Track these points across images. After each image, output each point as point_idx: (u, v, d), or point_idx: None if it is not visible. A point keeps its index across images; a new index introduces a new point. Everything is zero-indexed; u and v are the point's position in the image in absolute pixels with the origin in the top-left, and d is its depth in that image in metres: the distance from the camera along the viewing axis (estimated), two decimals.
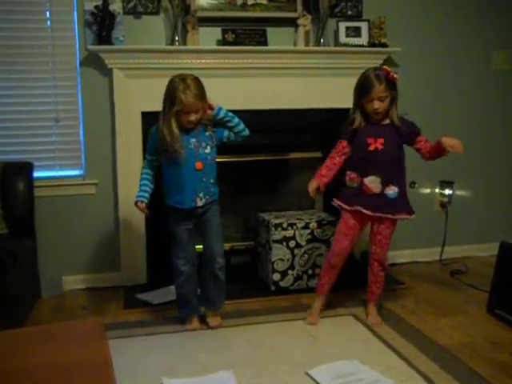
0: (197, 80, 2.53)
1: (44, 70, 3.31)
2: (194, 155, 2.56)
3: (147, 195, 2.65)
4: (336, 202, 2.80)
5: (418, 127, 2.81)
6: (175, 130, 2.50)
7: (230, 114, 2.67)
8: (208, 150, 2.61)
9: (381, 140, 2.67)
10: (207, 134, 2.62)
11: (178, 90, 2.46)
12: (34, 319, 2.91)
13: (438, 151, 2.71)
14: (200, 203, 2.60)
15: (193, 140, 2.56)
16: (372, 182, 2.69)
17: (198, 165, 2.56)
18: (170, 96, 2.50)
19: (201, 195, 2.59)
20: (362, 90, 2.66)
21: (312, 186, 2.77)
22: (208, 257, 2.69)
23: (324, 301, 2.84)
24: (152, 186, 2.68)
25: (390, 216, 2.73)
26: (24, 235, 3.03)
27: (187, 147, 2.54)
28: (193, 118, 2.51)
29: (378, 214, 2.71)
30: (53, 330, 1.75)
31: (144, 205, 2.63)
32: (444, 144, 2.61)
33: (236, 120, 2.68)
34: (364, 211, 2.69)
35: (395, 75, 2.65)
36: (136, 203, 2.64)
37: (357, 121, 2.70)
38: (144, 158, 3.33)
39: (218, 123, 2.65)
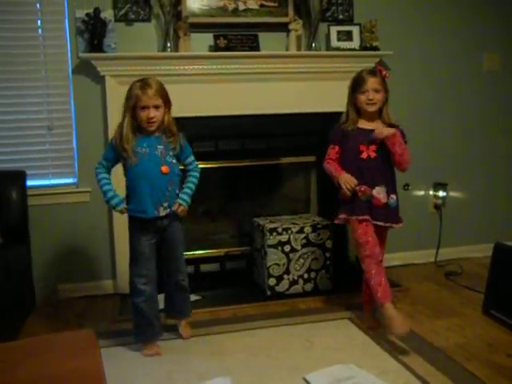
0: (159, 81, 2.46)
1: (36, 79, 3.31)
2: (160, 161, 2.45)
3: (122, 198, 2.53)
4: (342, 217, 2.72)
5: (405, 136, 2.77)
6: (125, 128, 2.41)
7: (192, 189, 2.57)
8: (174, 161, 2.51)
9: (373, 147, 2.65)
10: (175, 150, 2.50)
11: (136, 86, 2.41)
12: (29, 328, 2.89)
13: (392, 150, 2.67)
14: (163, 213, 2.47)
15: (159, 147, 2.47)
16: (380, 193, 2.65)
17: (164, 168, 2.44)
18: (128, 95, 2.44)
19: (165, 205, 2.47)
20: (357, 83, 2.68)
21: (350, 178, 2.63)
22: (172, 270, 2.61)
23: None
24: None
25: (394, 225, 2.70)
26: (18, 244, 3.01)
27: (153, 152, 2.44)
28: (152, 114, 2.39)
29: (388, 225, 2.67)
30: (44, 342, 1.74)
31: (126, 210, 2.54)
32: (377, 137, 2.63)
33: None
34: (376, 222, 2.64)
35: (387, 74, 2.68)
36: (121, 210, 2.52)
37: (350, 119, 2.70)
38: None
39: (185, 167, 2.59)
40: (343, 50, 3.57)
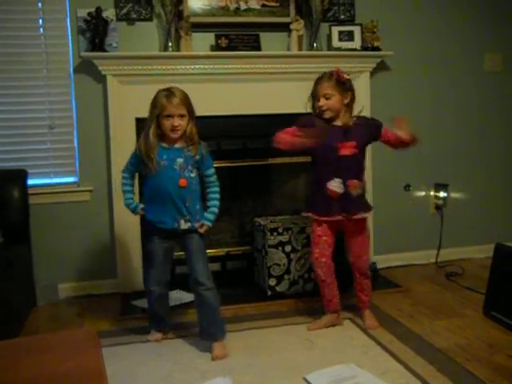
0: (184, 92, 2.47)
1: (38, 78, 3.31)
2: (178, 175, 2.45)
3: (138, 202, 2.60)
4: (307, 214, 2.74)
5: (378, 120, 2.78)
6: (151, 136, 2.42)
7: (217, 207, 2.58)
8: (193, 174, 2.50)
9: (353, 143, 2.63)
10: (195, 158, 2.49)
11: (161, 95, 2.43)
12: (29, 328, 2.89)
13: (402, 143, 2.72)
14: (185, 226, 2.47)
15: (179, 160, 2.46)
16: (335, 185, 2.63)
17: (182, 182, 2.44)
18: (153, 103, 2.45)
19: (186, 218, 2.47)
20: (312, 90, 2.67)
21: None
22: (192, 279, 2.51)
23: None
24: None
25: (357, 216, 2.66)
26: (19, 243, 3.02)
27: (172, 166, 2.44)
28: (176, 123, 2.41)
29: (351, 216, 2.65)
30: (46, 340, 1.74)
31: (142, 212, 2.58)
32: (402, 137, 2.67)
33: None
34: (336, 218, 2.64)
35: (346, 76, 2.64)
36: (139, 213, 2.58)
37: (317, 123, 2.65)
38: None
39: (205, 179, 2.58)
40: (345, 50, 3.57)
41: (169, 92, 2.43)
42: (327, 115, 2.64)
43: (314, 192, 2.73)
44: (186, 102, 2.45)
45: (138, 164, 2.53)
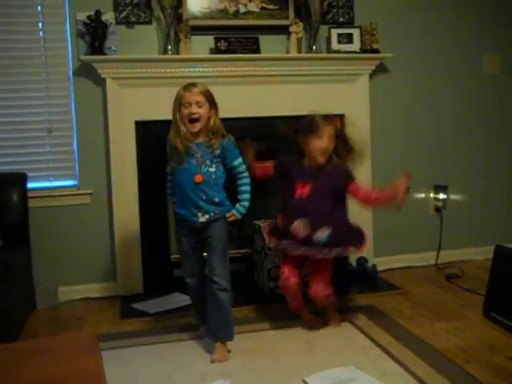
0: (205, 86, 2.48)
1: (37, 81, 3.32)
2: (196, 170, 2.44)
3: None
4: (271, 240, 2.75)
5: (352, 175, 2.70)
6: (180, 124, 2.42)
7: (248, 200, 2.57)
8: (213, 169, 2.46)
9: (309, 186, 2.60)
10: (215, 152, 2.46)
11: (181, 88, 2.46)
12: (29, 331, 2.89)
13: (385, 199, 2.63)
14: (202, 219, 2.47)
15: (197, 155, 2.45)
16: (298, 227, 2.59)
17: (198, 177, 2.42)
18: (175, 99, 2.46)
19: (203, 211, 2.46)
20: (311, 127, 2.62)
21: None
22: (209, 277, 2.50)
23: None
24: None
25: (321, 255, 2.59)
26: (18, 246, 3.02)
27: (189, 161, 2.44)
28: (194, 110, 2.39)
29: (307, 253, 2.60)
30: (45, 343, 1.74)
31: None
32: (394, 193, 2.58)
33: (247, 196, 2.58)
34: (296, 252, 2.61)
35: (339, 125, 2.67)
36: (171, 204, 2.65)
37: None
38: (138, 167, 3.35)
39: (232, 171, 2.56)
40: (344, 52, 3.57)
41: (188, 84, 2.46)
42: (323, 158, 2.62)
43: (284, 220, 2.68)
44: (207, 93, 2.45)
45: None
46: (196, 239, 2.55)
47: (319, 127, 2.59)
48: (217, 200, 2.48)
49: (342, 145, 2.64)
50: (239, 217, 2.54)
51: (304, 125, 2.65)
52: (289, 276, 2.67)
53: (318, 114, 2.64)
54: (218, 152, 2.46)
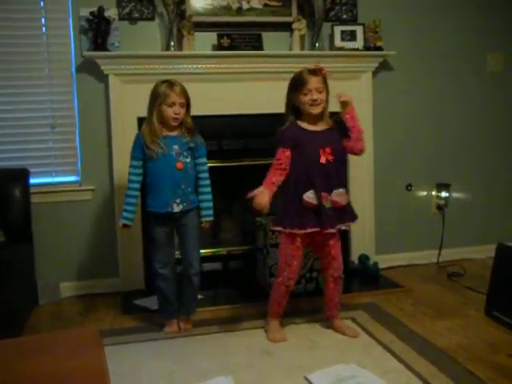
0: (181, 84, 2.63)
1: (40, 77, 3.32)
2: (175, 159, 2.60)
3: (132, 216, 2.67)
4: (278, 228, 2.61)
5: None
6: (156, 123, 2.57)
7: (211, 201, 2.75)
8: (188, 160, 2.65)
9: (329, 149, 2.54)
10: (189, 145, 2.64)
11: (163, 85, 2.58)
12: (31, 326, 2.89)
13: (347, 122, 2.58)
14: (177, 209, 2.62)
15: (175, 147, 2.61)
16: (341, 195, 2.55)
17: (179, 165, 2.59)
18: (154, 94, 2.59)
19: (178, 201, 2.61)
20: (297, 83, 2.56)
21: (263, 197, 2.46)
22: (184, 262, 2.71)
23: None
24: (136, 202, 2.70)
25: (342, 227, 2.59)
26: (21, 242, 3.02)
27: (169, 152, 2.59)
28: (178, 110, 2.56)
29: (331, 230, 2.52)
30: (49, 339, 1.74)
31: (126, 228, 2.70)
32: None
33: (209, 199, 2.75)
34: (316, 229, 2.52)
35: (327, 74, 2.59)
36: (121, 225, 2.69)
37: (289, 121, 2.60)
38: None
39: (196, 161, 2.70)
40: (347, 49, 3.57)
41: (169, 82, 2.60)
42: (319, 110, 2.56)
43: (288, 204, 2.57)
44: (186, 92, 2.63)
45: (143, 154, 2.63)
46: (170, 228, 2.68)
47: (305, 81, 2.54)
48: (190, 190, 2.66)
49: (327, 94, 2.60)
50: (212, 219, 2.74)
51: (292, 82, 2.62)
52: (290, 279, 2.64)
53: (304, 69, 2.59)
54: (192, 145, 2.66)
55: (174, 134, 2.63)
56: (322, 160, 2.53)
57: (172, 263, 2.74)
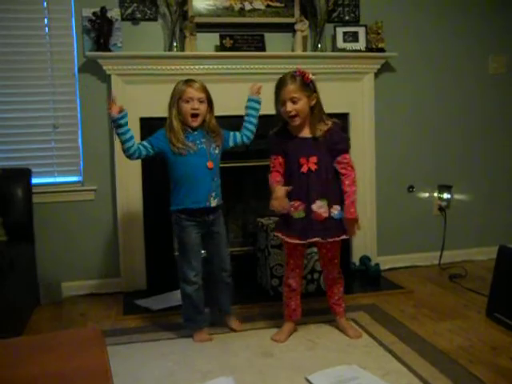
0: (202, 82, 2.58)
1: (42, 77, 3.32)
2: (206, 154, 2.54)
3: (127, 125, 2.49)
4: (280, 237, 2.59)
5: (345, 145, 2.54)
6: (175, 122, 2.49)
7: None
8: (217, 151, 2.60)
9: (313, 159, 2.45)
10: (216, 144, 2.60)
11: (181, 83, 2.53)
12: (32, 326, 2.90)
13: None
14: (213, 203, 2.55)
15: (203, 139, 2.55)
16: (321, 207, 2.47)
17: (210, 164, 2.53)
18: (173, 93, 2.54)
19: (213, 194, 2.55)
20: (276, 91, 2.46)
21: (281, 191, 2.43)
22: (218, 267, 2.68)
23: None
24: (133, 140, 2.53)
25: (336, 239, 2.52)
26: (23, 242, 3.03)
27: (198, 145, 2.53)
28: (196, 105, 2.48)
29: (330, 240, 2.50)
30: (51, 338, 1.73)
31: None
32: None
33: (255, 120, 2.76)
34: (313, 240, 2.49)
35: (311, 76, 2.43)
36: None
37: (280, 129, 2.53)
38: (142, 163, 3.33)
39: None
40: (349, 51, 3.57)
41: (188, 80, 2.55)
42: (297, 122, 2.44)
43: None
44: (206, 89, 2.55)
45: (160, 148, 2.54)
46: (203, 232, 2.61)
47: (278, 90, 2.43)
48: (219, 182, 2.62)
49: (315, 98, 2.46)
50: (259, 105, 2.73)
51: (275, 88, 2.49)
52: (292, 283, 2.65)
53: (286, 74, 2.46)
54: (221, 145, 2.64)
55: (199, 131, 2.56)
56: (304, 169, 2.46)
57: (202, 270, 2.64)
